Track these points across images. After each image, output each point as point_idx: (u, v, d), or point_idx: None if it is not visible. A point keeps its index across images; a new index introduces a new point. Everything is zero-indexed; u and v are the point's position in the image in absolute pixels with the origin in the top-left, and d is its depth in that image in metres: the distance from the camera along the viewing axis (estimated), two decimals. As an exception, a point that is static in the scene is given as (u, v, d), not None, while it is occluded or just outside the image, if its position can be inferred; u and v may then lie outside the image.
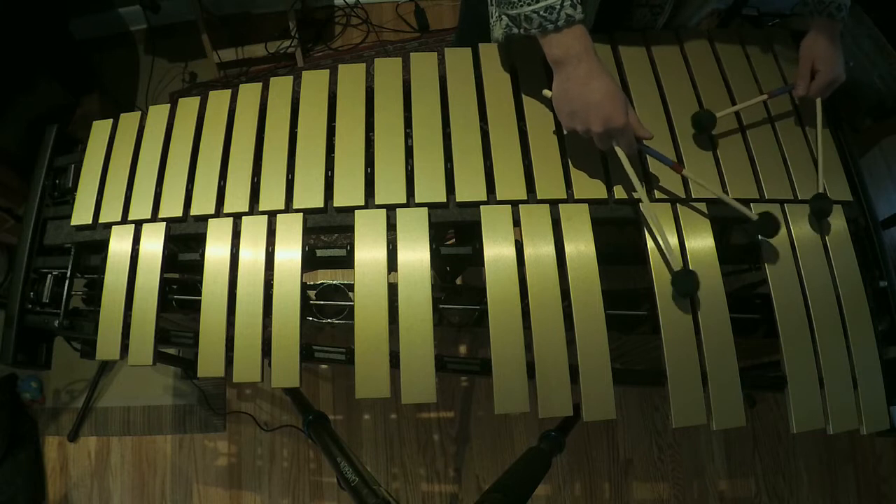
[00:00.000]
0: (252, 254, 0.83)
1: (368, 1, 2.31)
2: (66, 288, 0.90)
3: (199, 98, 0.96)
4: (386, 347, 0.77)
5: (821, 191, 0.84)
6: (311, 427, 0.92)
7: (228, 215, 0.86)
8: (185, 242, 0.92)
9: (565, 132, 0.84)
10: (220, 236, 0.85)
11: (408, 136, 0.88)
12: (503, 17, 0.78)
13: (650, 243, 0.81)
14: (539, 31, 0.74)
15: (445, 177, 0.84)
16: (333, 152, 0.88)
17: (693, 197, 0.83)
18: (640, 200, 0.80)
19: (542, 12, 0.72)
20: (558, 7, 0.71)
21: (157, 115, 0.96)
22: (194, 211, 0.87)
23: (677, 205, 0.83)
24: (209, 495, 1.67)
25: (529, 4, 0.73)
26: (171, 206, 0.87)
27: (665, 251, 0.78)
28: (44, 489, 1.69)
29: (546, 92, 0.82)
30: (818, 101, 0.87)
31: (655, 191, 0.84)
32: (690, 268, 0.78)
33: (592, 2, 0.87)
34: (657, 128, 0.87)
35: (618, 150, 0.78)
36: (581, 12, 0.72)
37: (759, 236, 0.81)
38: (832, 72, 0.85)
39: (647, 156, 0.83)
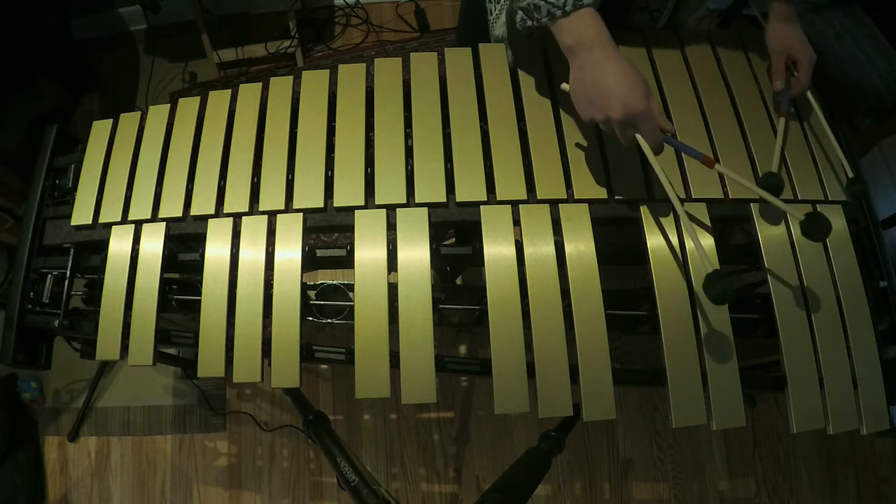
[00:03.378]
0: (252, 254, 0.83)
1: (368, 1, 2.31)
2: (66, 288, 0.90)
3: (199, 98, 0.96)
4: (386, 347, 0.77)
5: (851, 175, 0.84)
6: (311, 427, 0.92)
7: (228, 215, 0.86)
8: (185, 242, 0.92)
9: (584, 119, 0.77)
10: (220, 236, 0.85)
11: (408, 136, 0.88)
12: (517, 11, 0.76)
13: (689, 243, 0.79)
14: (548, 18, 0.72)
15: (445, 177, 0.84)
16: (333, 152, 0.88)
17: (694, 196, 0.83)
18: (640, 200, 0.79)
19: None
20: None
21: (157, 115, 0.96)
22: (194, 211, 0.87)
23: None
24: (209, 495, 1.67)
25: None
26: (171, 206, 0.87)
27: (699, 251, 0.72)
28: (44, 489, 1.69)
29: (564, 86, 0.78)
30: (809, 94, 0.87)
31: (655, 190, 0.84)
32: (691, 267, 0.78)
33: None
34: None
35: (641, 142, 0.72)
36: None
37: (809, 238, 0.76)
38: (810, 55, 0.84)
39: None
